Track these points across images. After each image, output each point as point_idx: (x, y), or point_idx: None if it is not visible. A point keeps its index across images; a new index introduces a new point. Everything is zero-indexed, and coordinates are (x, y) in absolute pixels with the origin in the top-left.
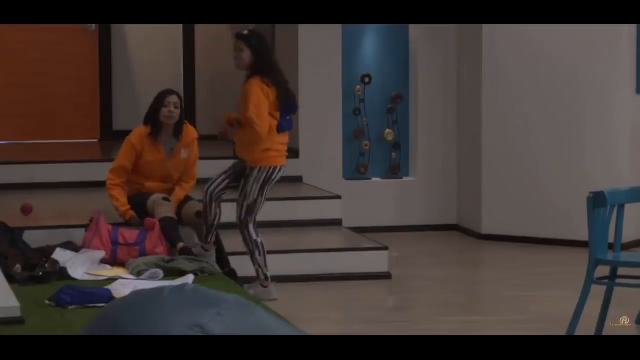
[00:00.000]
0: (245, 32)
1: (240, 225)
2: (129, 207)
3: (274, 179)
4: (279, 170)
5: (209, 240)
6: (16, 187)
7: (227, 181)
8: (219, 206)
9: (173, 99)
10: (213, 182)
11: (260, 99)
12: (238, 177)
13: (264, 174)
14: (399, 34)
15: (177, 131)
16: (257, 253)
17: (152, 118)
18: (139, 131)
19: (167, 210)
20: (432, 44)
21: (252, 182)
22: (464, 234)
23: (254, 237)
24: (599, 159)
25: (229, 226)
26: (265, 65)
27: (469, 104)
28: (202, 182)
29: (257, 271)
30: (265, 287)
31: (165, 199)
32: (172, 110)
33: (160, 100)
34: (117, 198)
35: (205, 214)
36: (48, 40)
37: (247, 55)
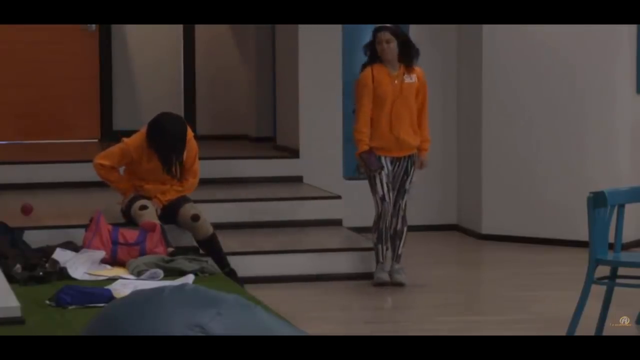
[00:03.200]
0: (388, 25)
1: (405, 210)
2: (129, 184)
3: None
4: None
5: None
6: (16, 187)
7: (393, 195)
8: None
9: (190, 132)
10: (396, 203)
11: None
12: (397, 178)
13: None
14: None
15: None
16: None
17: (178, 156)
18: (139, 140)
19: (148, 218)
20: (432, 44)
21: (416, 167)
22: (464, 234)
23: None
24: (599, 159)
25: (227, 226)
26: (412, 52)
27: (469, 103)
28: (204, 182)
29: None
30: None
31: (142, 207)
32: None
33: (182, 143)
34: (115, 180)
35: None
36: (48, 40)
37: (394, 45)
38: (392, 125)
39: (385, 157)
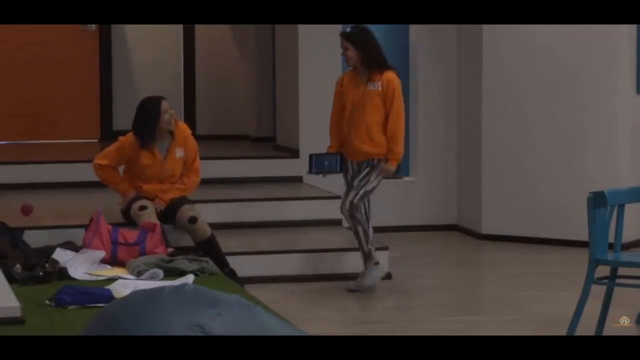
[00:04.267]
0: (348, 29)
1: (350, 209)
2: (128, 185)
3: None
4: None
5: (373, 256)
6: (16, 187)
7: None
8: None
9: (165, 103)
10: (343, 201)
11: (402, 96)
12: (355, 178)
13: None
14: (399, 34)
15: (171, 129)
16: (371, 230)
17: (148, 130)
18: (132, 138)
19: (147, 219)
20: (432, 44)
21: (377, 172)
22: (464, 234)
23: (366, 215)
24: (599, 159)
25: (227, 226)
26: (376, 57)
27: (469, 104)
28: (204, 182)
29: (370, 250)
30: (378, 263)
31: (142, 207)
32: (170, 114)
33: (155, 109)
34: (114, 181)
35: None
36: (48, 40)
37: (351, 52)
38: (349, 130)
39: (352, 162)
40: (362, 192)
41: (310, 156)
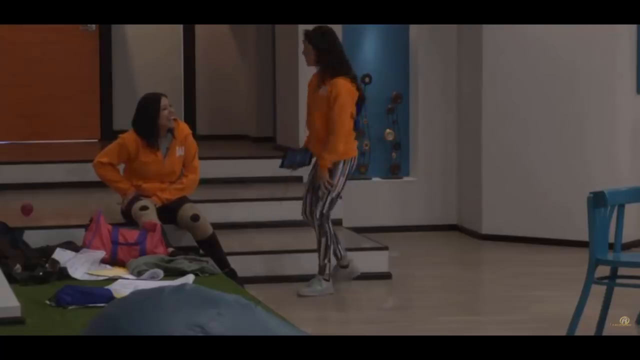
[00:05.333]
0: (310, 29)
1: (321, 219)
2: (129, 184)
3: (353, 169)
4: (356, 159)
5: (339, 255)
6: (16, 187)
7: (312, 196)
8: (314, 226)
9: (165, 100)
10: (306, 206)
11: (348, 102)
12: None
13: (349, 165)
14: (399, 34)
15: (171, 128)
16: (332, 245)
17: (148, 126)
18: (133, 135)
19: (148, 219)
20: (432, 44)
21: (338, 175)
22: (464, 234)
23: (332, 229)
24: (599, 158)
25: (227, 226)
26: (333, 60)
27: (469, 104)
28: (204, 182)
29: (326, 265)
30: (328, 280)
31: (143, 207)
32: (171, 111)
33: (155, 105)
34: (114, 179)
35: (320, 235)
36: (48, 40)
37: (309, 51)
38: (309, 133)
39: (316, 163)
40: (329, 200)
41: (285, 152)
